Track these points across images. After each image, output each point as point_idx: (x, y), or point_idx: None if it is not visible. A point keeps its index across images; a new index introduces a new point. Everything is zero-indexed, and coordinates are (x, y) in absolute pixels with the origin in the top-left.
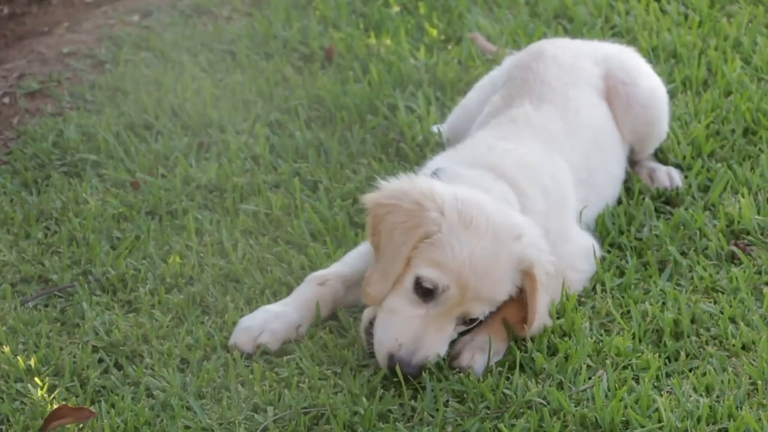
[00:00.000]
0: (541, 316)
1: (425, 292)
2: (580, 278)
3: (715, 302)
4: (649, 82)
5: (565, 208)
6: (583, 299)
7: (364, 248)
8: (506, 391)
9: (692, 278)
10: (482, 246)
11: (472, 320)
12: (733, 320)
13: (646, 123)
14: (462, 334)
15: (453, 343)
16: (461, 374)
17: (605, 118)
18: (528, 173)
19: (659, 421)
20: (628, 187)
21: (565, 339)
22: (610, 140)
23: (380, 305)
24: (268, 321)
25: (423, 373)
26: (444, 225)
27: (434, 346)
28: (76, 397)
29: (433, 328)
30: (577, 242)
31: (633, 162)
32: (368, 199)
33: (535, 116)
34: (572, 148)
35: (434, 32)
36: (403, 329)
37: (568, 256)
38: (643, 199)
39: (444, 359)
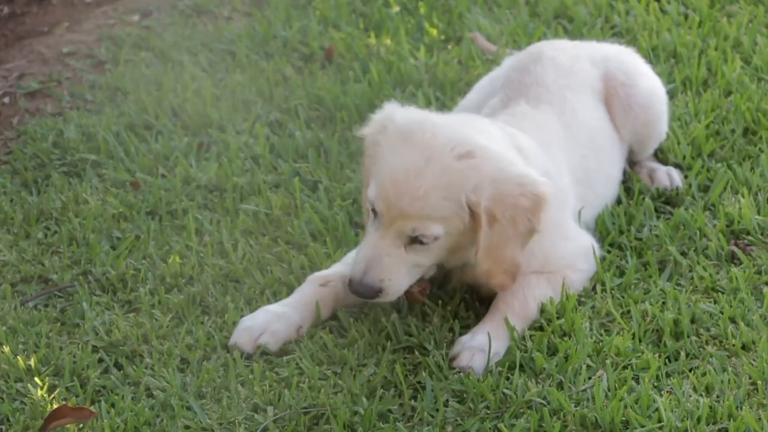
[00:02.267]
0: (493, 257)
1: (374, 213)
2: (580, 278)
3: (715, 302)
4: (648, 82)
5: (563, 204)
6: (583, 299)
7: None
8: (506, 391)
9: (692, 278)
10: (408, 159)
11: (419, 240)
12: (733, 320)
13: (645, 123)
14: (463, 331)
15: (453, 343)
16: (461, 374)
17: (602, 120)
18: (531, 155)
19: (659, 421)
20: (628, 187)
21: (565, 339)
22: (607, 142)
23: None
24: (268, 321)
25: (378, 296)
26: (384, 141)
27: (389, 270)
28: (76, 397)
29: (382, 250)
30: (576, 241)
31: (633, 162)
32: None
33: (532, 114)
34: (569, 148)
35: (434, 32)
36: (358, 253)
37: (567, 254)
38: (643, 199)
39: (444, 359)
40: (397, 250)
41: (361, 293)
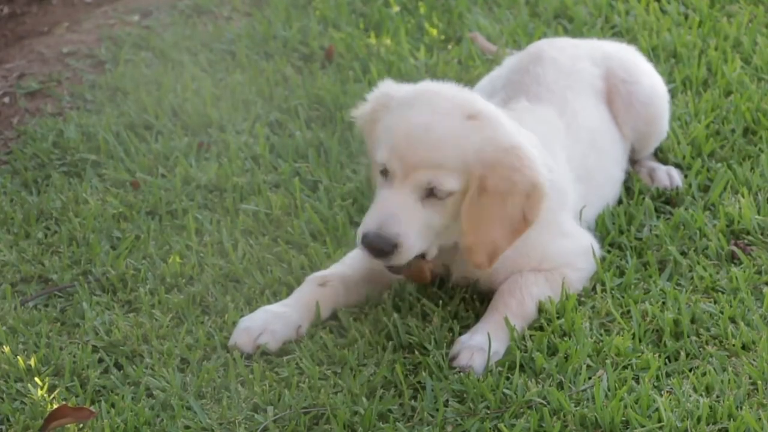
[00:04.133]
0: (477, 232)
1: (384, 173)
2: (579, 276)
3: (715, 302)
4: (649, 79)
5: (562, 201)
6: (583, 299)
7: None
8: (506, 391)
9: (692, 278)
10: (419, 117)
11: (436, 191)
12: (733, 320)
13: (647, 121)
14: (463, 331)
15: (453, 343)
16: (461, 374)
17: (604, 120)
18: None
19: (659, 421)
20: (628, 187)
21: (565, 339)
22: (608, 141)
23: None
24: (268, 322)
25: (393, 252)
26: (387, 113)
27: (406, 223)
28: (76, 397)
29: (398, 202)
30: (574, 239)
31: (633, 161)
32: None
33: (534, 109)
34: (570, 146)
35: (434, 32)
36: (371, 209)
37: (565, 252)
38: (643, 199)
39: (444, 359)
40: (414, 204)
41: (376, 247)
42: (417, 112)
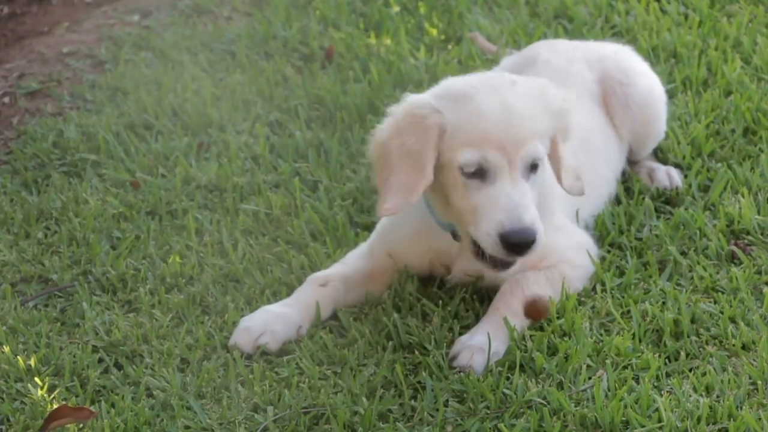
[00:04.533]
0: (569, 169)
1: (477, 174)
2: (578, 274)
3: (715, 302)
4: (646, 80)
5: (549, 192)
6: (583, 299)
7: (364, 248)
8: (506, 391)
9: (692, 278)
10: (489, 101)
11: (535, 164)
12: (733, 320)
13: (644, 122)
14: (463, 331)
15: (453, 343)
16: (461, 374)
17: (597, 122)
18: None
19: (659, 421)
20: (628, 187)
21: (565, 339)
22: (601, 143)
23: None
24: (268, 322)
25: (536, 240)
26: (445, 115)
27: (532, 208)
28: (76, 397)
29: (517, 194)
30: (569, 234)
31: (632, 162)
32: (373, 139)
33: None
34: None
35: (434, 32)
36: (493, 209)
37: (561, 247)
38: (643, 199)
39: (444, 359)
40: (529, 188)
41: (526, 240)
42: (485, 99)
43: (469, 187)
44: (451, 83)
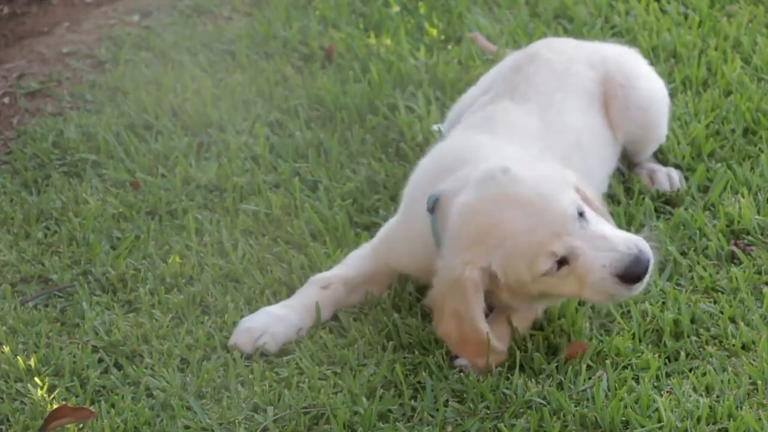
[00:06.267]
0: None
1: (560, 265)
2: None
3: (715, 302)
4: (648, 84)
5: None
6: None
7: (366, 250)
8: (506, 391)
9: (692, 278)
10: (508, 217)
11: (580, 211)
12: (733, 320)
13: (643, 126)
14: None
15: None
16: (461, 374)
17: (593, 122)
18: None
19: (659, 421)
20: (628, 188)
21: (566, 339)
22: (597, 143)
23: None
24: (269, 324)
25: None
26: (479, 262)
27: (614, 238)
28: (76, 397)
29: (597, 245)
30: None
31: (633, 163)
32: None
33: (513, 111)
34: (549, 147)
35: (434, 32)
36: (593, 270)
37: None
38: (643, 199)
39: (444, 359)
40: (594, 224)
41: (642, 267)
42: (504, 217)
43: (562, 275)
44: (457, 223)
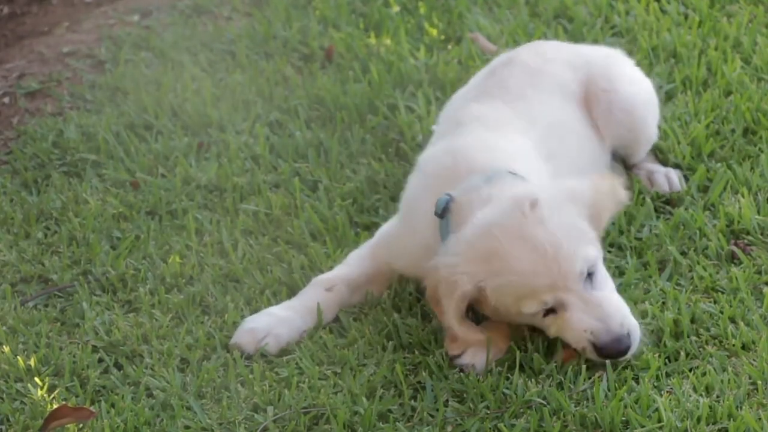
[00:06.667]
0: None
1: (547, 312)
2: None
3: (715, 302)
4: (630, 87)
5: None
6: None
7: (367, 250)
8: (506, 391)
9: (692, 278)
10: (519, 255)
11: (590, 271)
12: (733, 320)
13: (630, 129)
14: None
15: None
16: (461, 374)
17: (569, 116)
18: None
19: (659, 421)
20: (628, 188)
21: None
22: (573, 133)
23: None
24: (273, 325)
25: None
26: (478, 277)
27: (612, 315)
28: (76, 397)
29: (591, 312)
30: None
31: (632, 165)
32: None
33: (477, 109)
34: (524, 129)
35: (434, 32)
36: (578, 332)
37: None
38: (643, 199)
39: (444, 359)
40: (599, 291)
41: (620, 349)
42: (516, 254)
43: (544, 321)
44: (472, 236)
